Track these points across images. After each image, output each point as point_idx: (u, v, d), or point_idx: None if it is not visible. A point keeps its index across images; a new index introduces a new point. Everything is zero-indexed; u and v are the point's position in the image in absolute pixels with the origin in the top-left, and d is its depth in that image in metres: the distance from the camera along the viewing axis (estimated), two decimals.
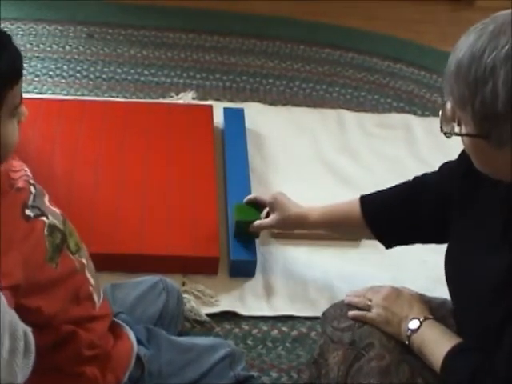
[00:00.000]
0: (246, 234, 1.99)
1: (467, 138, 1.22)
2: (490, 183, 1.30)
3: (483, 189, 1.35)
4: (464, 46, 1.17)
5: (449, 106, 1.23)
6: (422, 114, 2.69)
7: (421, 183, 1.63)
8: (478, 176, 1.30)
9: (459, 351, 1.35)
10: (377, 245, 2.13)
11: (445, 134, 1.25)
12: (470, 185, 1.38)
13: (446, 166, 1.56)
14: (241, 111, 2.47)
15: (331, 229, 1.89)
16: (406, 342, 1.43)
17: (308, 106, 2.67)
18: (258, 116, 2.55)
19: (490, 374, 1.27)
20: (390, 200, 1.70)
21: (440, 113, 1.25)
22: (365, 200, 1.74)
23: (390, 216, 1.68)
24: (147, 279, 1.73)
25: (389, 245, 1.75)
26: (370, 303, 1.51)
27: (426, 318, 1.43)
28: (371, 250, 2.11)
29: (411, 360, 1.43)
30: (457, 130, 1.23)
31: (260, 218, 1.98)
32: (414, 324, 1.43)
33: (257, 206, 2.01)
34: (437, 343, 1.38)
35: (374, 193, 1.76)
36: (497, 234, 1.30)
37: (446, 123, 1.25)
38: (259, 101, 2.66)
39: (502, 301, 1.25)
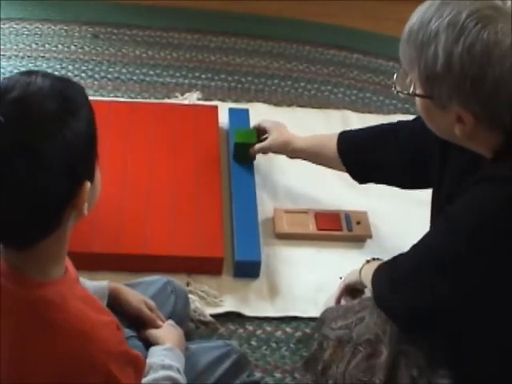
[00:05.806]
0: (243, 156, 2.20)
1: (417, 99, 1.37)
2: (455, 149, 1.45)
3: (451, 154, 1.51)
4: (417, 14, 1.35)
5: (403, 69, 1.39)
6: None
7: (395, 129, 1.80)
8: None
9: (381, 264, 1.56)
10: (380, 245, 2.14)
11: (397, 92, 1.42)
12: (443, 150, 1.53)
13: (421, 120, 1.61)
14: (246, 112, 2.47)
15: (311, 157, 2.07)
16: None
17: (313, 106, 2.66)
18: (263, 117, 2.53)
19: (388, 262, 1.52)
20: (363, 139, 1.89)
21: (395, 76, 1.42)
22: (342, 135, 1.94)
23: (359, 153, 1.89)
24: (155, 280, 1.70)
25: (358, 180, 1.96)
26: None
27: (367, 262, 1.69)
28: (375, 251, 2.10)
29: (407, 351, 1.45)
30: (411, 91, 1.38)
31: (257, 142, 2.18)
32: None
33: (258, 132, 2.21)
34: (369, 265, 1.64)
35: (353, 130, 1.96)
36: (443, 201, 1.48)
37: (398, 85, 1.42)
38: (264, 101, 2.65)
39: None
